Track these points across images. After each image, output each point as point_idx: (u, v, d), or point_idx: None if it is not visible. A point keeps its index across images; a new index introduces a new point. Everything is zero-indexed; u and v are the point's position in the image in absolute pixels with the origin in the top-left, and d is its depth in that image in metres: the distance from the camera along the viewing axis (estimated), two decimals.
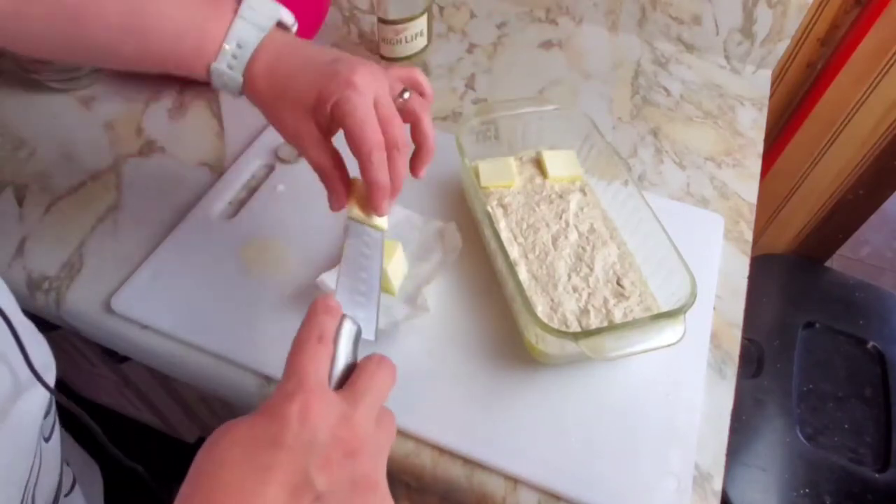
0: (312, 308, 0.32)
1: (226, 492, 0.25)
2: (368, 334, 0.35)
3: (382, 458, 0.30)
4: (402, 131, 0.39)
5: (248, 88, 0.39)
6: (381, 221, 0.41)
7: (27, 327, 0.40)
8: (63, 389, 0.46)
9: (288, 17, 0.40)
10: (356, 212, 0.41)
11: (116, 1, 0.35)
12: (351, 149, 0.38)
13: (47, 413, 0.43)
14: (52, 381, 0.43)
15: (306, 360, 0.30)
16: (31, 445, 0.40)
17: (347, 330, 0.33)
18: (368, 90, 0.37)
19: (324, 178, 0.41)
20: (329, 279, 0.48)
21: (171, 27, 0.37)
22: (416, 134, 0.42)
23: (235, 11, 0.38)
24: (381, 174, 0.38)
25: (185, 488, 0.26)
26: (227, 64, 0.38)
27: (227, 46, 0.37)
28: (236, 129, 0.66)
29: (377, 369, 0.31)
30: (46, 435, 0.43)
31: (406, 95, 0.41)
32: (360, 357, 0.33)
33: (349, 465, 0.27)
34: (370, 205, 0.40)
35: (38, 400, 0.40)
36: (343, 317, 0.33)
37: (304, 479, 0.25)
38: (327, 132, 0.40)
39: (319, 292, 0.49)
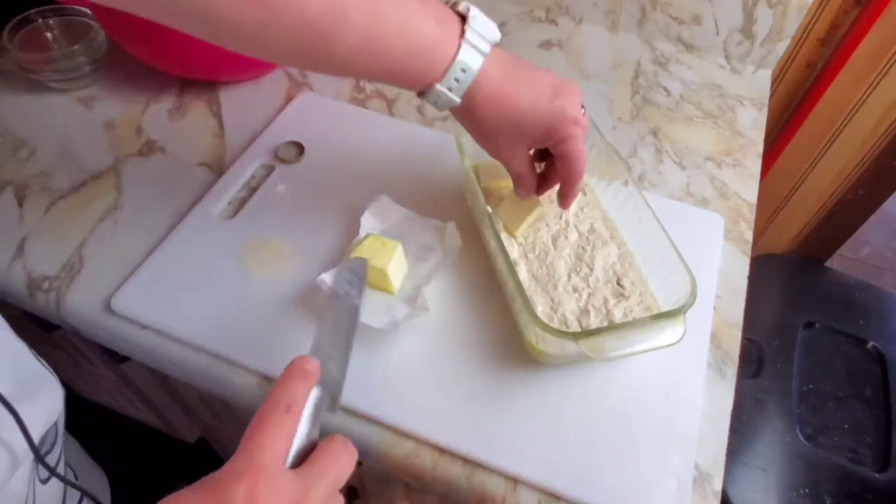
0: (288, 372, 0.31)
1: None
2: (332, 408, 0.34)
3: None
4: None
5: (465, 111, 0.41)
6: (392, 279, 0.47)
7: (24, 394, 0.39)
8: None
9: (498, 34, 0.41)
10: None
11: (359, 21, 0.36)
12: (565, 174, 0.45)
13: (48, 453, 0.42)
14: (54, 419, 0.42)
15: (267, 432, 0.28)
16: (21, 495, 0.39)
17: (313, 399, 0.31)
18: (582, 122, 0.43)
19: (523, 181, 0.46)
20: (328, 279, 0.48)
21: (405, 48, 0.37)
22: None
23: (462, 34, 0.38)
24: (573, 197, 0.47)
25: None
26: (449, 86, 0.39)
27: (453, 69, 0.38)
28: (236, 129, 0.66)
29: (340, 453, 0.30)
30: (43, 478, 0.43)
31: (584, 111, 0.45)
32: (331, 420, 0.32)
33: None
34: (563, 202, 0.48)
35: (31, 465, 0.40)
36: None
37: None
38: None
39: (320, 293, 0.49)
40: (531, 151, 0.45)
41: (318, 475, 0.28)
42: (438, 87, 0.39)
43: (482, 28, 0.39)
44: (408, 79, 0.39)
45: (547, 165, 0.49)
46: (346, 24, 0.35)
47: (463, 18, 0.39)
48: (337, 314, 0.40)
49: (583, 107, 0.45)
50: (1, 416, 0.36)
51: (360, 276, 0.44)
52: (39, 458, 0.38)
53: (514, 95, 0.40)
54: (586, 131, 0.45)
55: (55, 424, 0.43)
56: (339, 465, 0.30)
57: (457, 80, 0.39)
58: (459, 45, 0.38)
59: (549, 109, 0.41)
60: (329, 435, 0.31)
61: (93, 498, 0.46)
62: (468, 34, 0.38)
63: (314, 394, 0.32)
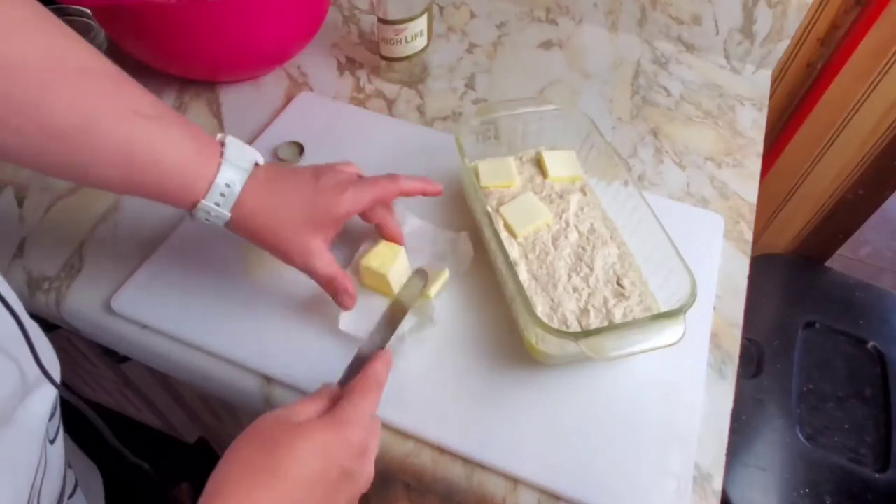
0: (381, 359, 0.40)
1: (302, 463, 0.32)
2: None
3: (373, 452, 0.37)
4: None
5: (238, 223, 0.42)
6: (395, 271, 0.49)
7: (34, 328, 0.41)
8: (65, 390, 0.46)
9: (260, 158, 0.44)
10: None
11: (109, 131, 0.36)
12: (372, 221, 0.49)
13: (52, 415, 0.43)
14: (59, 377, 0.43)
15: (368, 401, 0.37)
16: (37, 446, 0.40)
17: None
18: (356, 188, 0.45)
19: (333, 282, 0.45)
20: (349, 327, 0.47)
21: (164, 166, 0.39)
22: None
23: (221, 155, 0.41)
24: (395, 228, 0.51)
25: (257, 457, 0.32)
26: (216, 202, 0.41)
27: (217, 185, 0.40)
28: (236, 129, 0.66)
29: (371, 390, 0.38)
30: (51, 437, 0.43)
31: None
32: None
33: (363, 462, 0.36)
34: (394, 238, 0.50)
35: (44, 400, 0.40)
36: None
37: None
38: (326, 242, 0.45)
39: (319, 292, 0.49)
40: (325, 247, 0.45)
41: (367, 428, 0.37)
42: (204, 202, 0.40)
43: (239, 151, 0.42)
44: (171, 196, 0.40)
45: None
46: (97, 139, 0.36)
47: (221, 143, 0.42)
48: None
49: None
50: (12, 334, 0.36)
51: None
52: (47, 375, 0.39)
53: (281, 191, 0.43)
54: (387, 185, 0.46)
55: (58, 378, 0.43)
56: (371, 393, 0.38)
57: (222, 194, 0.41)
58: (220, 165, 0.40)
59: (317, 190, 0.43)
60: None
61: (92, 422, 0.47)
62: (227, 153, 0.41)
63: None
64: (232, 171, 0.41)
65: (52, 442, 0.43)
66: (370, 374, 0.38)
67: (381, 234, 0.50)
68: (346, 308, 0.46)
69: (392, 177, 0.47)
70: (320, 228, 0.43)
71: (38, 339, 0.39)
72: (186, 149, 0.40)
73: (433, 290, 0.49)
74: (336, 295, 0.45)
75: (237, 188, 0.41)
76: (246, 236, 0.43)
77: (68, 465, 0.48)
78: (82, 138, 0.36)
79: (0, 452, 0.35)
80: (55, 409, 0.44)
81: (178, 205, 0.41)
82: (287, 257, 0.44)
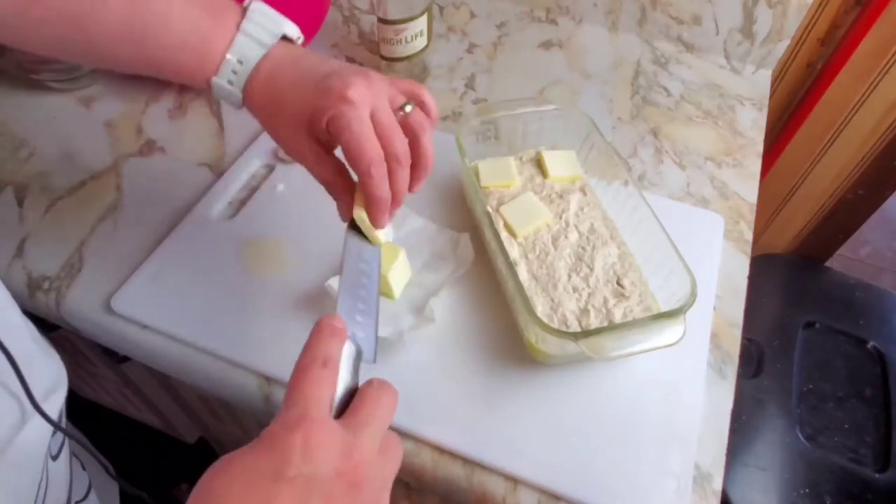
0: (317, 329, 0.31)
1: None
2: (368, 356, 0.34)
3: (386, 488, 0.29)
4: (403, 144, 0.38)
5: (248, 103, 0.39)
6: (381, 234, 0.41)
7: (28, 351, 0.39)
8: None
9: (292, 30, 0.39)
10: (360, 217, 0.40)
11: (119, 9, 0.35)
12: (349, 164, 0.37)
13: (55, 431, 0.43)
14: (61, 400, 0.42)
15: (310, 386, 0.29)
16: (38, 467, 0.39)
17: (348, 352, 0.32)
18: (364, 103, 0.36)
19: (329, 190, 0.41)
20: (336, 284, 0.47)
21: (173, 38, 0.36)
22: (414, 151, 0.39)
23: (238, 25, 0.37)
24: (381, 189, 0.37)
25: None
26: (228, 79, 0.38)
27: (227, 61, 0.37)
28: (236, 129, 0.66)
29: (380, 395, 0.30)
30: (55, 453, 0.43)
31: (408, 109, 0.39)
32: (360, 378, 0.32)
33: (352, 499, 0.26)
34: (370, 218, 0.39)
35: (43, 426, 0.39)
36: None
37: None
38: (327, 147, 0.39)
39: (327, 298, 0.49)
40: (330, 152, 0.40)
41: (363, 422, 0.29)
42: (215, 79, 0.37)
43: (263, 20, 0.37)
44: (185, 73, 0.37)
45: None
46: (104, 12, 0.35)
47: (243, 12, 0.38)
48: (356, 266, 0.39)
49: (406, 104, 0.39)
50: (4, 367, 0.36)
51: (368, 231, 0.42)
52: (40, 411, 0.38)
53: (286, 80, 0.38)
54: (427, 126, 0.39)
55: (60, 400, 0.43)
56: (382, 409, 0.30)
57: (234, 72, 0.37)
58: (233, 37, 0.37)
59: (314, 86, 0.37)
60: (367, 380, 0.32)
61: (101, 463, 0.46)
62: (245, 25, 0.37)
63: (347, 348, 0.32)
64: (247, 46, 0.37)
65: (55, 458, 0.43)
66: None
67: (360, 184, 0.39)
68: (342, 219, 0.42)
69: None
70: (309, 127, 0.38)
71: (32, 367, 0.38)
72: (199, 22, 0.36)
73: (389, 267, 0.46)
74: (335, 198, 0.41)
75: (250, 65, 0.37)
76: (257, 120, 0.40)
77: (82, 466, 0.48)
78: (93, 18, 0.35)
79: (0, 478, 0.34)
80: (60, 420, 0.43)
81: (195, 82, 0.38)
82: (280, 145, 0.41)
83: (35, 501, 0.38)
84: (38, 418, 0.39)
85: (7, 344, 0.35)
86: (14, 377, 0.36)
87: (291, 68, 0.38)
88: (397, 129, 0.37)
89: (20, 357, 0.36)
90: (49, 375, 0.42)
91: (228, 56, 0.37)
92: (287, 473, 0.25)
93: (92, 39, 0.36)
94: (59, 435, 0.44)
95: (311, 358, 0.30)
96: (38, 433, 0.39)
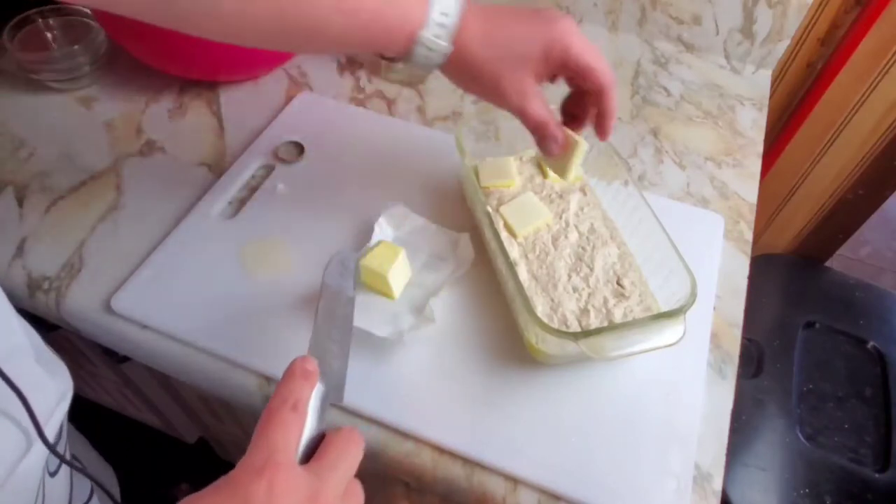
0: (290, 372, 0.32)
1: None
2: (337, 398, 0.34)
3: None
4: None
5: (457, 59, 0.39)
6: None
7: (32, 375, 0.39)
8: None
9: None
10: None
11: None
12: (586, 83, 0.41)
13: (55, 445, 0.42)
14: (64, 412, 0.42)
15: (277, 430, 0.29)
16: (33, 488, 0.39)
17: (317, 394, 0.32)
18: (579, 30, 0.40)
19: (545, 128, 0.42)
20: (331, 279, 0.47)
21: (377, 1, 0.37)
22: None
23: None
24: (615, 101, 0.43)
25: None
26: (434, 33, 0.38)
27: (433, 15, 0.37)
28: (236, 129, 0.66)
29: (347, 444, 0.31)
30: (52, 470, 0.43)
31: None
32: (329, 418, 0.33)
33: None
34: (603, 129, 0.44)
35: (43, 450, 0.39)
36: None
37: None
38: (539, 80, 0.41)
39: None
40: (540, 89, 0.42)
41: (329, 468, 0.29)
42: (423, 34, 0.38)
43: None
44: (389, 35, 0.38)
45: (567, 108, 0.47)
46: None
47: None
48: (332, 308, 0.40)
49: None
50: (7, 396, 0.36)
51: (350, 268, 0.43)
52: (45, 440, 0.38)
53: (502, 24, 0.39)
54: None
55: (62, 414, 0.43)
56: (349, 457, 0.30)
57: (440, 24, 0.38)
58: None
59: (537, 23, 0.39)
60: (336, 427, 0.32)
61: (101, 486, 0.46)
62: None
63: (318, 390, 0.32)
64: None
65: (53, 475, 0.43)
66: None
67: (601, 102, 0.43)
68: (551, 154, 0.44)
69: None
70: (537, 63, 0.40)
71: (39, 388, 0.38)
72: None
73: (388, 267, 0.47)
74: (543, 140, 0.43)
75: (454, 16, 0.38)
76: (456, 75, 0.41)
77: (84, 472, 0.48)
78: None
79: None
80: (61, 430, 0.43)
81: (395, 44, 0.38)
82: (499, 93, 0.41)
83: None
84: (40, 443, 0.39)
85: (11, 374, 0.35)
86: (21, 408, 0.36)
87: (501, 15, 0.39)
88: None
89: (25, 385, 0.36)
90: (55, 391, 0.41)
91: (432, 8, 0.37)
92: None
93: (304, 14, 0.36)
94: (59, 449, 0.44)
95: (280, 400, 0.30)
96: (38, 456, 0.39)
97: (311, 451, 0.30)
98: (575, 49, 0.39)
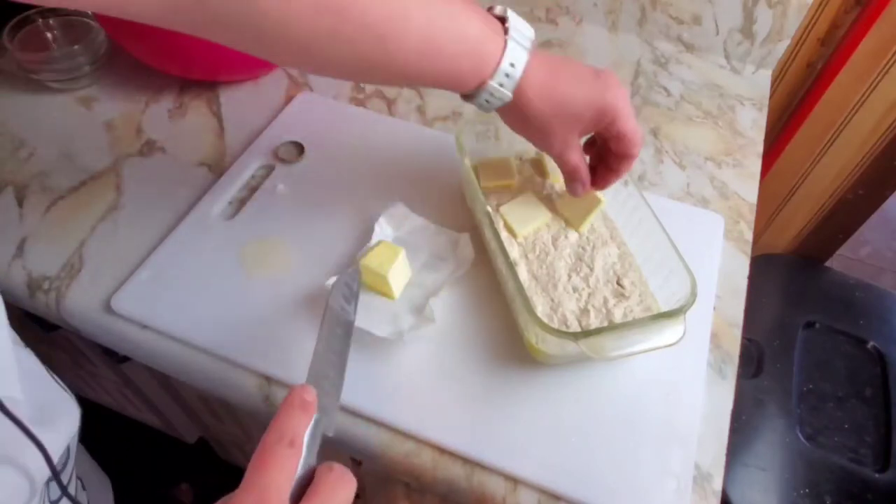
0: (288, 403, 0.31)
1: None
2: (329, 429, 0.34)
3: None
4: None
5: (516, 107, 0.42)
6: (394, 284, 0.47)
7: (45, 419, 0.39)
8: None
9: (533, 32, 0.43)
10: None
11: (419, 22, 0.36)
12: (623, 148, 0.45)
13: (62, 470, 0.42)
14: (74, 433, 0.42)
15: (272, 469, 0.29)
16: None
17: (312, 425, 0.32)
18: (628, 101, 0.43)
19: (577, 172, 0.46)
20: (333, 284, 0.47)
21: (458, 47, 0.38)
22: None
23: (506, 32, 0.40)
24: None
25: None
26: (500, 83, 0.40)
27: (503, 66, 0.39)
28: (236, 129, 0.66)
29: (337, 483, 0.30)
30: (54, 499, 0.43)
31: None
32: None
33: None
34: (604, 184, 0.48)
35: (44, 488, 0.39)
36: None
37: None
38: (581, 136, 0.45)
39: (321, 292, 0.49)
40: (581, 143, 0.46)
41: None
42: (491, 83, 0.40)
43: (521, 26, 0.41)
44: (460, 79, 0.40)
45: (593, 158, 0.50)
46: (406, 27, 0.36)
47: (502, 19, 0.41)
48: (333, 332, 0.40)
49: None
50: (23, 445, 0.35)
51: (355, 291, 0.45)
52: (57, 479, 0.38)
53: (562, 83, 0.42)
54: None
55: (70, 442, 0.43)
56: (338, 497, 0.30)
57: (507, 75, 0.40)
58: (506, 42, 0.39)
59: (594, 89, 0.42)
60: (327, 463, 0.31)
61: None
62: (511, 32, 0.40)
63: (313, 420, 0.32)
64: (517, 50, 0.40)
65: (54, 503, 0.43)
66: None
67: (619, 165, 0.47)
68: (575, 193, 0.48)
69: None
70: (586, 124, 0.43)
71: (50, 429, 0.38)
72: (478, 27, 0.39)
73: (388, 268, 0.47)
74: (573, 182, 0.48)
75: (520, 69, 0.40)
76: (510, 118, 0.44)
77: (80, 480, 0.47)
78: (393, 29, 0.36)
79: None
80: (67, 461, 0.43)
81: (463, 87, 0.41)
82: (545, 142, 0.45)
83: None
84: (44, 483, 0.38)
85: (11, 408, 0.34)
86: (28, 444, 0.36)
87: (562, 72, 0.42)
88: None
89: (34, 420, 0.36)
90: (66, 427, 0.41)
91: (503, 60, 0.39)
92: None
93: (391, 55, 0.37)
94: (66, 473, 0.43)
95: (278, 436, 0.30)
96: (41, 496, 0.39)
97: (303, 486, 0.30)
98: (622, 119, 0.43)
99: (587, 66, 0.44)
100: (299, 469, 0.30)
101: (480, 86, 0.40)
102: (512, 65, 0.40)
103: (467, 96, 0.42)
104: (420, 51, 0.37)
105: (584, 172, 0.47)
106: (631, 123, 0.43)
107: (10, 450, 0.35)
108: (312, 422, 0.32)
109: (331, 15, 0.34)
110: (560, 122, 0.43)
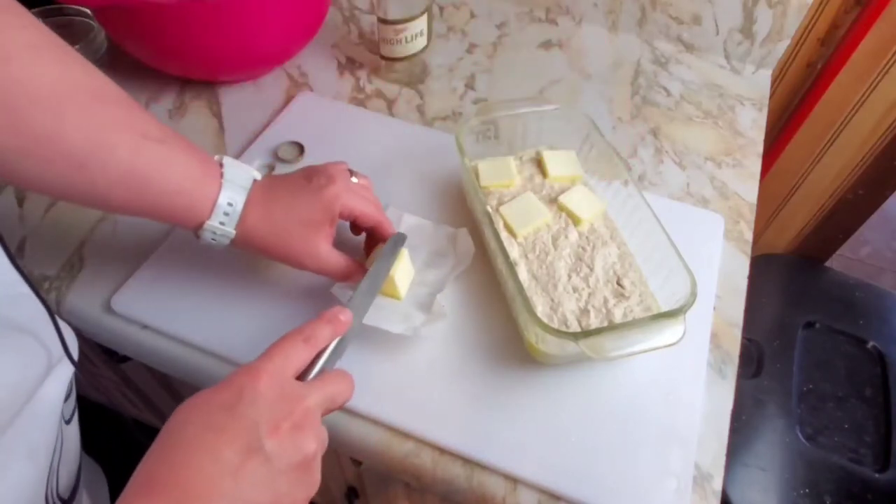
0: (322, 315, 0.36)
1: (184, 447, 0.29)
2: (354, 331, 0.39)
3: (321, 450, 0.33)
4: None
5: (244, 238, 0.43)
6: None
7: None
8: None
9: (257, 175, 0.45)
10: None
11: (126, 155, 0.38)
12: (363, 226, 0.48)
13: (68, 396, 0.43)
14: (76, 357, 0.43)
15: (278, 355, 0.33)
16: (54, 426, 0.40)
17: (337, 342, 0.36)
18: (348, 183, 0.46)
19: (348, 272, 0.46)
20: (339, 291, 0.47)
21: (169, 185, 0.40)
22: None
23: (221, 175, 0.42)
24: (391, 224, 0.49)
25: (153, 444, 0.30)
26: (220, 221, 0.42)
27: (219, 205, 0.41)
28: (236, 129, 0.66)
29: (340, 379, 0.35)
30: (67, 418, 0.44)
31: (354, 179, 0.49)
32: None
33: (296, 437, 0.31)
34: (385, 238, 0.48)
35: (61, 380, 0.41)
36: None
37: (255, 441, 0.29)
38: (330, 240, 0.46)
39: (320, 291, 0.49)
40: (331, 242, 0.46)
41: (315, 387, 0.33)
42: (209, 223, 0.41)
43: (237, 168, 0.43)
44: (176, 216, 0.41)
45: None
46: (108, 157, 0.37)
47: (220, 164, 0.43)
48: (380, 273, 0.45)
49: (352, 172, 0.48)
50: (38, 315, 0.37)
51: (399, 249, 0.47)
52: (70, 358, 0.40)
53: (279, 205, 0.44)
54: (367, 188, 0.49)
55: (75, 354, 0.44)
56: (337, 386, 0.35)
57: (226, 213, 0.42)
58: (221, 185, 0.41)
59: (310, 193, 0.44)
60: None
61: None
62: (227, 173, 0.42)
63: (337, 340, 0.36)
64: (233, 190, 0.42)
65: (67, 422, 0.44)
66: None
67: (380, 234, 0.48)
68: (354, 283, 0.48)
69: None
70: (321, 227, 0.44)
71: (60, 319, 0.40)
72: (193, 170, 0.41)
73: (395, 269, 0.47)
74: (347, 280, 0.47)
75: (239, 206, 0.42)
76: (253, 251, 0.45)
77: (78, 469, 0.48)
78: (98, 163, 0.37)
79: (21, 433, 0.35)
80: (70, 389, 0.44)
81: (186, 225, 0.42)
82: (299, 263, 0.45)
83: (51, 464, 0.39)
84: (59, 368, 0.40)
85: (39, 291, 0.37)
86: (48, 322, 0.37)
87: (278, 195, 0.44)
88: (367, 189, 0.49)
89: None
90: (68, 329, 0.42)
91: (219, 201, 0.41)
92: (237, 406, 0.30)
93: (90, 182, 0.38)
94: (71, 401, 0.44)
95: (298, 331, 0.35)
96: (57, 385, 0.40)
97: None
98: (349, 206, 0.45)
99: (297, 176, 0.46)
100: (314, 370, 0.35)
101: (200, 226, 0.42)
102: (230, 203, 0.42)
103: (197, 236, 0.43)
104: (128, 187, 0.38)
105: (351, 266, 0.46)
106: (359, 205, 0.45)
107: (34, 326, 0.37)
108: (337, 339, 0.36)
109: (35, 143, 0.35)
110: (296, 239, 0.44)
